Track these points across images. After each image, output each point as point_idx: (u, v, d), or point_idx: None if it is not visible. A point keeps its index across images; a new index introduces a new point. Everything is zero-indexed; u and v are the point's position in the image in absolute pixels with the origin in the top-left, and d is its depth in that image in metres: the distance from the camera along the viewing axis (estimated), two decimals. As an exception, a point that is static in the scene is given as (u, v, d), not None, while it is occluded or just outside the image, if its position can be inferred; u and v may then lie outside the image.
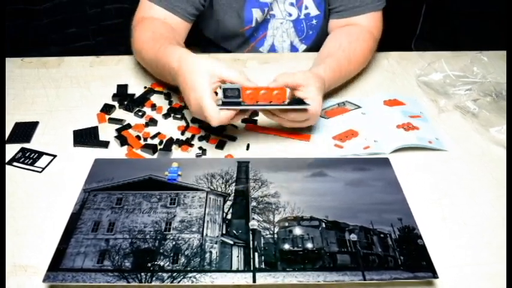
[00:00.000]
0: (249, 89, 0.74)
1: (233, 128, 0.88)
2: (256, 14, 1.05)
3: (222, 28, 1.09)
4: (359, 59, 0.98)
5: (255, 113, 0.88)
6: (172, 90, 0.97)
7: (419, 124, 0.87)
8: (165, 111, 0.91)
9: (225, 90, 0.74)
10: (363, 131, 0.86)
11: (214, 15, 1.07)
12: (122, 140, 0.83)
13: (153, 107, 0.92)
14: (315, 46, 1.11)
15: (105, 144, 0.83)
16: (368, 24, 1.02)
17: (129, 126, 0.87)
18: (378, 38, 1.04)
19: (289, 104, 0.78)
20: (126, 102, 0.93)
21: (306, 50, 1.14)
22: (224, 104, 0.75)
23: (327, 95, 0.94)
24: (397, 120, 0.88)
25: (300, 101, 0.77)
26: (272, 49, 1.13)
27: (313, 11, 1.07)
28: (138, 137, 0.84)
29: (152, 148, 0.81)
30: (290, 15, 1.07)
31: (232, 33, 1.09)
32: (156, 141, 0.84)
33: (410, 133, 0.84)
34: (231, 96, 0.74)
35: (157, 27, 0.95)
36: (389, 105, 0.93)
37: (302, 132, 0.86)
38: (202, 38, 1.18)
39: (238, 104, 0.75)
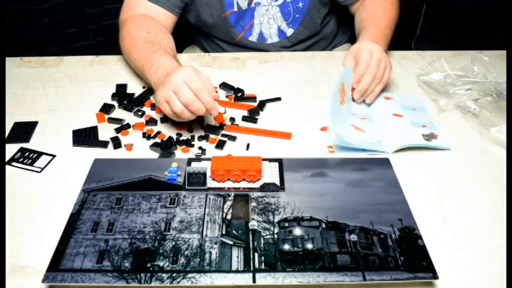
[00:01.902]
0: (222, 170, 0.72)
1: (232, 128, 0.87)
2: None
3: (205, 14, 1.08)
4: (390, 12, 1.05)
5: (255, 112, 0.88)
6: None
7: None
8: (164, 111, 0.91)
9: (189, 175, 0.72)
10: (368, 130, 0.87)
11: (197, 2, 1.07)
12: (116, 143, 0.82)
13: (153, 106, 0.92)
14: (302, 29, 1.12)
15: (104, 144, 0.83)
16: None
17: (128, 126, 0.87)
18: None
19: (261, 187, 0.73)
20: (125, 102, 0.92)
21: (293, 34, 1.14)
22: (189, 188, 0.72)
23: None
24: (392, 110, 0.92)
25: (274, 185, 0.73)
26: (261, 36, 1.13)
27: None
28: (144, 134, 0.85)
29: (160, 147, 0.81)
30: (276, 0, 1.08)
31: (215, 19, 1.09)
32: (156, 140, 0.84)
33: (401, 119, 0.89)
34: (196, 182, 0.72)
35: (153, 28, 0.97)
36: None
37: (283, 130, 0.86)
38: (191, 29, 1.18)
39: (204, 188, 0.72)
